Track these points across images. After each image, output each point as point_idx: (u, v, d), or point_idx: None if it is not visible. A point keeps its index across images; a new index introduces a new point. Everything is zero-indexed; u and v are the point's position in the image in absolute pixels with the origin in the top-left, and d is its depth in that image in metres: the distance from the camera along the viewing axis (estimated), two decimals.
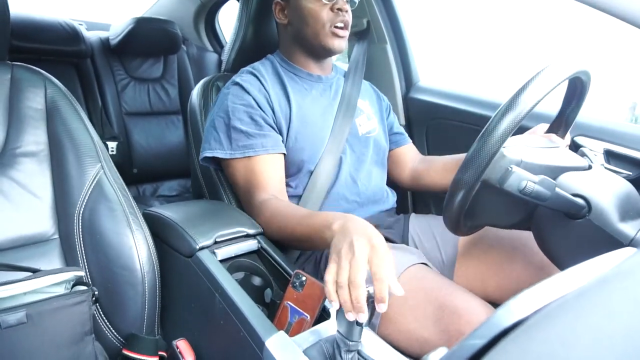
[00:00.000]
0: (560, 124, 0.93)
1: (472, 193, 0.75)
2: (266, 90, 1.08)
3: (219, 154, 1.04)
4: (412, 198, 1.56)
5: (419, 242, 1.14)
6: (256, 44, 1.24)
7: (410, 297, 0.87)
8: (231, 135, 1.03)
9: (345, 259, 0.69)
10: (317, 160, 1.08)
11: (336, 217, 0.80)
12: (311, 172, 1.08)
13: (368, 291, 0.62)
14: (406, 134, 1.33)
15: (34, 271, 0.78)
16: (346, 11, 1.08)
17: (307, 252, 1.07)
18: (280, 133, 1.07)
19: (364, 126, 1.19)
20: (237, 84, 1.08)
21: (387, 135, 1.27)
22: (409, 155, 1.29)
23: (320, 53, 1.14)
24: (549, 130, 0.96)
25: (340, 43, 1.10)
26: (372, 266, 0.68)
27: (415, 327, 0.85)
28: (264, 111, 1.05)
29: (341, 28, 1.09)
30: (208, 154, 1.06)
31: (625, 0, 0.67)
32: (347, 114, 1.15)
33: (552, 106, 1.12)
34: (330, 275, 0.68)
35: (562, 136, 0.94)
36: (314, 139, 1.09)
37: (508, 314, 0.35)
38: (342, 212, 0.85)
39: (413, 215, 1.22)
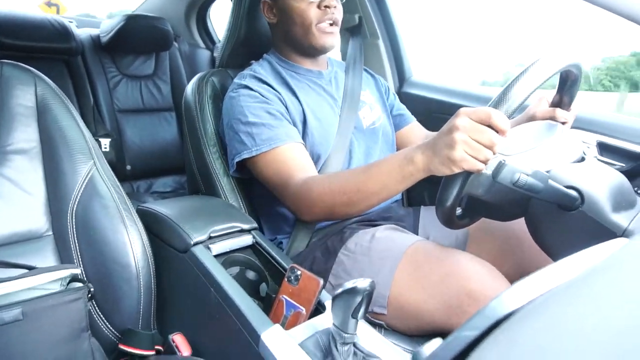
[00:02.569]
0: (561, 98, 0.93)
1: (459, 203, 0.76)
2: (275, 90, 1.07)
3: (246, 154, 1.02)
4: (406, 191, 1.56)
5: (430, 233, 1.15)
6: (250, 40, 1.24)
7: (416, 270, 0.88)
8: (252, 132, 1.01)
9: (462, 139, 0.70)
10: (326, 156, 1.07)
11: (409, 151, 0.81)
12: (320, 169, 1.07)
13: (357, 286, 0.61)
14: (408, 113, 1.31)
15: (30, 268, 0.78)
16: (334, 7, 1.07)
17: (317, 240, 1.07)
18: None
19: (367, 118, 1.18)
20: (245, 86, 1.07)
21: (391, 119, 1.26)
22: (414, 134, 1.28)
23: (311, 51, 1.13)
24: (553, 104, 0.97)
25: (331, 40, 1.09)
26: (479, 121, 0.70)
27: (424, 298, 0.86)
28: (279, 107, 1.05)
29: (329, 24, 1.07)
30: (237, 159, 1.03)
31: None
32: (352, 108, 1.14)
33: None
34: (460, 153, 0.70)
35: (567, 108, 0.95)
36: (326, 135, 1.08)
37: (501, 305, 0.35)
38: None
39: (423, 208, 1.23)
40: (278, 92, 1.07)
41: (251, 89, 1.06)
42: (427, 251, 0.92)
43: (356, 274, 0.93)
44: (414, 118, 1.32)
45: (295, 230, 1.08)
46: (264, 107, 1.03)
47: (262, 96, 1.05)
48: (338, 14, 1.09)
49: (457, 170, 0.73)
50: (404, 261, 0.90)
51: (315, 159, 1.07)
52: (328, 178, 0.94)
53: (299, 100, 1.08)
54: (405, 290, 0.88)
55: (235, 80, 1.12)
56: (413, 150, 0.80)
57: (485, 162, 0.71)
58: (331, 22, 1.07)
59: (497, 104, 0.71)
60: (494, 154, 0.71)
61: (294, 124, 1.06)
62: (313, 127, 1.07)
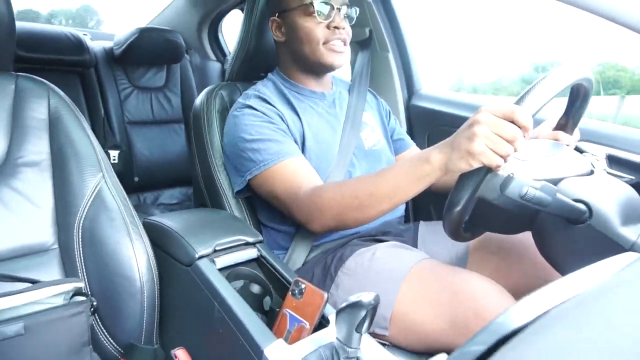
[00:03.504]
0: (567, 120, 0.93)
1: (469, 209, 0.75)
2: (278, 110, 1.07)
3: (255, 171, 1.02)
4: (412, 204, 1.55)
5: (429, 249, 1.13)
6: (260, 54, 1.24)
7: (423, 288, 0.87)
8: (259, 148, 1.01)
9: (482, 132, 0.69)
10: (325, 177, 1.07)
11: (424, 152, 0.80)
12: None
13: (361, 300, 0.61)
14: (408, 138, 1.31)
15: (33, 282, 0.78)
16: (343, 28, 1.07)
17: (315, 256, 1.06)
18: None
19: (369, 139, 1.18)
20: (248, 106, 1.07)
21: (391, 143, 1.26)
22: None
23: (319, 70, 1.13)
24: (556, 128, 0.96)
25: (339, 58, 1.09)
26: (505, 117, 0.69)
27: (431, 317, 0.85)
28: (281, 125, 1.05)
29: (338, 44, 1.08)
30: (249, 176, 1.03)
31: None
32: (354, 129, 1.14)
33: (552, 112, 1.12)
34: (481, 148, 0.69)
35: (570, 132, 0.94)
36: (325, 156, 1.08)
37: (508, 320, 0.34)
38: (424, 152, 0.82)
39: (422, 223, 1.22)
40: (280, 111, 1.07)
41: (255, 109, 1.06)
42: (434, 270, 0.91)
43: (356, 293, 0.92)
44: (413, 143, 1.32)
45: (293, 245, 1.07)
46: (268, 125, 1.04)
47: (266, 115, 1.05)
48: (346, 34, 1.09)
49: (476, 165, 0.71)
50: (409, 279, 0.89)
51: None
52: (339, 184, 0.94)
53: (301, 121, 1.09)
54: (410, 308, 0.87)
55: (239, 99, 1.12)
56: (429, 150, 0.79)
57: (505, 158, 0.70)
58: (340, 42, 1.08)
59: (519, 103, 0.71)
60: (515, 150, 0.70)
61: (296, 143, 1.06)
62: (311, 149, 1.07)
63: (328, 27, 1.06)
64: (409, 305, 0.87)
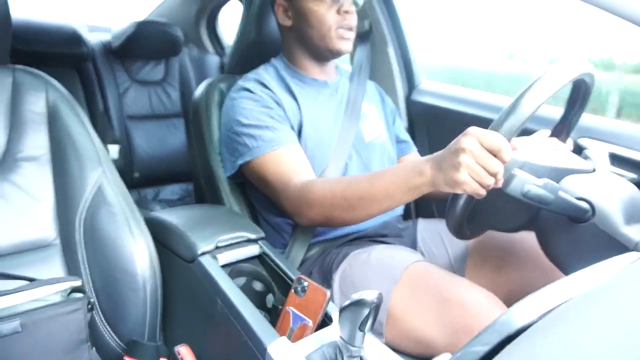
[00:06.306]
0: (563, 128, 0.93)
1: (474, 199, 0.76)
2: (277, 95, 1.06)
3: (248, 157, 1.01)
4: (414, 202, 1.55)
5: (428, 249, 1.13)
6: (260, 45, 1.23)
7: (414, 294, 0.87)
8: (254, 134, 1.01)
9: (467, 162, 0.69)
10: (323, 166, 1.06)
11: (417, 163, 0.80)
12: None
13: (365, 298, 0.61)
14: (411, 142, 1.30)
15: (31, 280, 0.78)
16: (352, 13, 1.07)
17: (313, 255, 1.06)
18: None
19: (370, 132, 1.16)
20: (246, 89, 1.06)
21: (394, 141, 1.25)
22: None
23: (326, 56, 1.12)
24: (552, 135, 0.96)
25: (347, 45, 1.09)
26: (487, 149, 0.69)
27: (420, 324, 0.85)
28: (279, 112, 1.04)
29: (347, 30, 1.07)
30: (240, 161, 1.03)
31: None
32: (353, 118, 1.13)
33: (555, 109, 1.12)
34: (464, 177, 0.70)
35: (564, 140, 0.94)
36: (323, 145, 1.07)
37: (512, 320, 0.34)
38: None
39: (420, 221, 1.21)
40: (279, 97, 1.06)
41: (252, 92, 1.05)
42: (425, 274, 0.91)
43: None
44: (415, 148, 1.31)
45: (291, 243, 1.07)
46: (266, 111, 1.03)
47: (263, 99, 1.04)
48: (354, 20, 1.09)
49: (459, 192, 0.74)
50: (400, 284, 0.89)
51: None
52: (330, 182, 0.93)
53: (300, 108, 1.07)
54: (402, 313, 0.87)
55: (239, 82, 1.11)
56: (422, 162, 0.79)
57: (487, 189, 0.71)
58: (349, 27, 1.07)
59: (509, 112, 0.71)
60: (497, 182, 0.70)
61: (292, 129, 1.05)
62: (308, 137, 1.06)
63: (338, 12, 1.05)
64: (401, 310, 0.87)
